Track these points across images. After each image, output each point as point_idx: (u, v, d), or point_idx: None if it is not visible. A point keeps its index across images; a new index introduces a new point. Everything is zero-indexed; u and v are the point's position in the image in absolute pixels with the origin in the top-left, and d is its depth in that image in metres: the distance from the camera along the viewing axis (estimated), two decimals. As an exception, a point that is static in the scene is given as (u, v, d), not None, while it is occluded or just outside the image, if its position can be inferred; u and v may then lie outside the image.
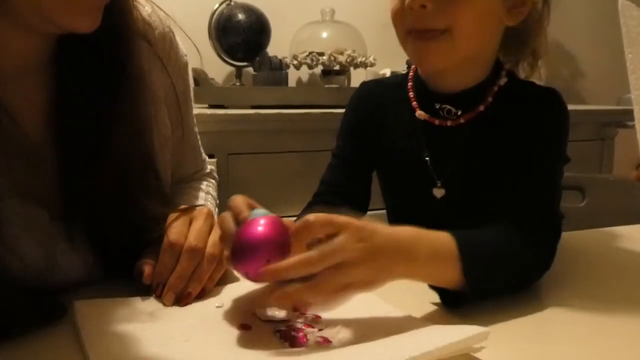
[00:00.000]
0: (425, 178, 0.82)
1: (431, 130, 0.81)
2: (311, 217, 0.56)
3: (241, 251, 0.56)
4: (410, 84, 0.85)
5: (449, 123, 0.80)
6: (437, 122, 0.81)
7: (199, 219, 0.68)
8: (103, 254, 0.72)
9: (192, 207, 0.72)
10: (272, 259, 0.54)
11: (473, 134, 0.79)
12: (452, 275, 0.61)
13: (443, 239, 0.62)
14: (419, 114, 0.82)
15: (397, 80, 0.89)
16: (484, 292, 0.62)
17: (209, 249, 0.67)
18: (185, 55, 0.85)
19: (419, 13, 0.72)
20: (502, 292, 0.65)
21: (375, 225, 0.58)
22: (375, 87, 0.92)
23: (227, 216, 0.62)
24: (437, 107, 0.80)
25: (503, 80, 0.79)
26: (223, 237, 0.63)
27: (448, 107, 0.80)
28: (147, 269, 0.66)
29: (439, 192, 0.82)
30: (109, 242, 0.70)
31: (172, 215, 0.69)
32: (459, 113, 0.79)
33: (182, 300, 0.64)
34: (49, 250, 0.66)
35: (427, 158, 0.82)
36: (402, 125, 0.84)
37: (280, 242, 0.56)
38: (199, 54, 0.88)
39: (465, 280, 0.61)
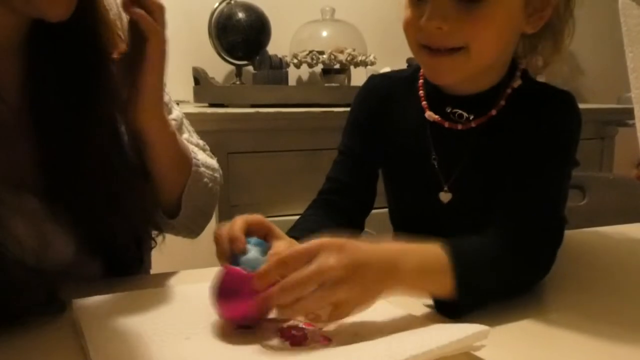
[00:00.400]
0: (432, 181, 0.80)
1: (440, 132, 0.78)
2: (284, 254, 0.55)
3: (220, 293, 0.57)
4: (421, 81, 0.82)
5: (459, 127, 0.77)
6: (447, 124, 0.78)
7: None
8: (90, 233, 0.72)
9: None
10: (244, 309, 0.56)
11: (483, 138, 0.76)
12: (444, 288, 0.60)
13: (433, 251, 0.61)
14: (429, 115, 0.79)
15: (406, 74, 0.85)
16: (477, 304, 0.62)
17: None
18: None
19: (435, 32, 0.70)
20: (496, 300, 0.64)
21: (356, 242, 0.57)
22: (383, 82, 0.88)
23: (224, 237, 0.61)
24: (449, 110, 0.78)
25: (517, 83, 0.76)
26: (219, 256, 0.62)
27: (460, 111, 0.77)
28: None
29: (445, 197, 0.79)
30: (93, 220, 0.71)
31: None
32: (471, 117, 0.76)
33: None
34: (39, 229, 0.67)
35: (434, 161, 0.79)
36: (410, 123, 0.82)
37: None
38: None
39: (458, 293, 0.60)
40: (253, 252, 0.60)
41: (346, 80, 2.04)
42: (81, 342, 0.54)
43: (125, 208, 0.72)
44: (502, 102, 0.76)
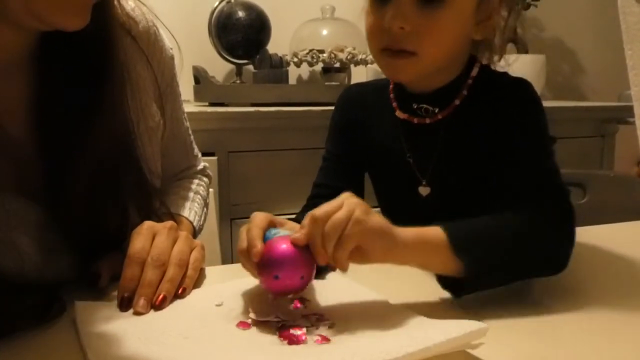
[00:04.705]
0: (410, 177, 0.83)
1: (412, 130, 0.83)
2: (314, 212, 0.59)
3: (271, 267, 0.59)
4: (391, 85, 0.87)
5: (427, 121, 0.81)
6: (416, 120, 0.82)
7: (161, 233, 0.68)
8: (92, 244, 0.72)
9: (155, 223, 0.71)
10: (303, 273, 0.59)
11: (451, 129, 0.80)
12: (445, 260, 0.62)
13: (429, 228, 0.64)
14: (398, 113, 0.83)
15: (380, 83, 0.90)
16: (485, 275, 0.63)
17: (175, 256, 0.66)
18: (171, 49, 0.86)
19: (396, 33, 0.74)
20: (510, 278, 0.66)
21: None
22: (359, 90, 0.93)
23: (255, 228, 0.62)
24: (415, 107, 0.82)
25: (474, 72, 0.81)
26: (248, 250, 0.63)
27: (425, 106, 0.81)
28: (104, 273, 0.67)
29: (424, 191, 0.83)
30: (94, 235, 0.71)
31: (135, 231, 0.68)
32: (437, 110, 0.80)
33: (157, 304, 0.62)
34: (43, 243, 0.67)
35: (409, 158, 0.83)
36: (385, 126, 0.86)
37: (305, 258, 0.59)
38: (179, 47, 0.87)
39: (461, 262, 0.61)
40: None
41: (346, 79, 2.04)
42: (80, 344, 0.54)
43: (132, 222, 0.72)
44: (464, 92, 0.80)
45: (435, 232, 0.63)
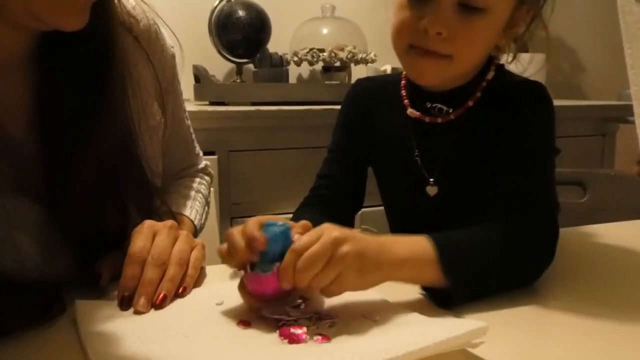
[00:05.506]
0: (418, 176, 0.83)
1: (422, 129, 0.82)
2: (295, 246, 0.57)
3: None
4: (403, 82, 0.86)
5: (439, 120, 0.81)
6: (427, 119, 0.81)
7: (162, 232, 0.68)
8: (92, 244, 0.72)
9: (155, 222, 0.70)
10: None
11: (463, 130, 0.80)
12: (434, 277, 0.61)
13: (418, 241, 0.62)
14: (410, 111, 0.83)
15: (391, 79, 0.89)
16: (470, 292, 0.62)
17: (176, 255, 0.66)
18: (172, 47, 0.86)
19: (432, 37, 0.72)
20: (495, 289, 0.65)
21: (350, 231, 0.59)
22: (370, 85, 0.93)
23: (237, 233, 0.61)
24: (429, 106, 0.81)
25: (490, 74, 0.80)
26: (232, 252, 0.62)
27: (439, 105, 0.80)
28: (105, 272, 0.67)
29: (431, 190, 0.82)
30: (95, 235, 0.71)
31: (135, 230, 0.68)
32: (450, 110, 0.80)
33: (157, 303, 0.62)
34: (43, 243, 0.67)
35: (417, 157, 0.83)
36: (394, 123, 0.85)
37: None
38: (180, 46, 0.87)
39: (447, 281, 0.61)
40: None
41: (347, 78, 2.04)
42: (81, 344, 0.55)
43: (132, 220, 0.72)
44: (478, 94, 0.80)
45: (425, 247, 0.62)
